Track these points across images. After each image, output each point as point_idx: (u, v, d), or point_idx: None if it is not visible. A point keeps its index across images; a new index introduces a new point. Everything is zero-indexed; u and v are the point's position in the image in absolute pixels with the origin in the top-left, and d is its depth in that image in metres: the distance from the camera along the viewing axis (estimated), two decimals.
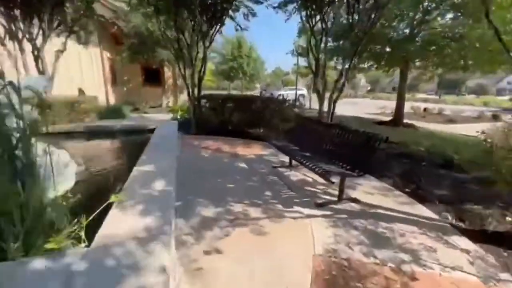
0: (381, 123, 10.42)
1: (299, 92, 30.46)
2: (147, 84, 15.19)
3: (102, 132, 4.28)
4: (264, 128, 6.32)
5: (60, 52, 6.13)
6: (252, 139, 6.27)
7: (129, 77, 14.71)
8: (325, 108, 5.83)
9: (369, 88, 68.02)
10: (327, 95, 5.68)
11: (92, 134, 4.20)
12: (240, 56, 27.14)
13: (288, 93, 30.30)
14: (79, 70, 10.45)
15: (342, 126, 3.45)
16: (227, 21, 7.60)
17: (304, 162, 3.17)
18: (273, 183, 3.51)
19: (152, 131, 4.28)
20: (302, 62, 24.05)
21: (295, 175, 3.86)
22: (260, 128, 6.75)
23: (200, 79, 7.20)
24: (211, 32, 7.18)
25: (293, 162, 4.09)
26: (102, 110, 10.33)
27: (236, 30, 7.51)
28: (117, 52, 12.65)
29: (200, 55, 7.37)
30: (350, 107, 16.11)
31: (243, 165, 4.26)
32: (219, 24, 7.22)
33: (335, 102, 5.30)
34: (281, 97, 30.06)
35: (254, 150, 5.30)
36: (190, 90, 7.06)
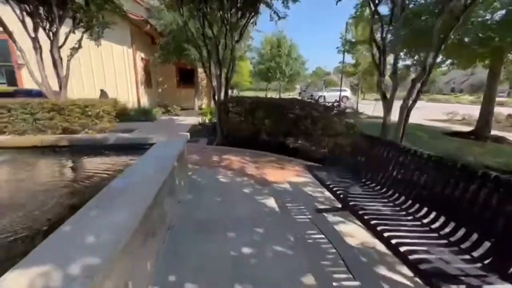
0: (455, 134, 8.11)
1: (343, 94, 28.16)
2: (182, 86, 14.77)
3: (88, 147, 3.33)
4: (303, 141, 4.90)
5: (75, 49, 5.50)
6: (288, 154, 4.89)
7: (164, 78, 14.43)
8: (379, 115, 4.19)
9: None
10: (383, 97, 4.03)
11: (76, 149, 3.28)
12: (279, 55, 25.73)
13: (331, 94, 28.05)
14: (113, 71, 10.22)
15: (459, 165, 1.87)
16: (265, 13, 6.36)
17: (378, 230, 1.70)
18: (318, 252, 2.10)
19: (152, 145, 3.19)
20: (347, 59, 21.87)
21: (354, 232, 2.38)
22: (298, 140, 5.33)
23: (228, 80, 6.06)
24: (243, 23, 6.00)
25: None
26: (131, 113, 9.97)
27: (271, 19, 6.16)
28: (152, 52, 12.32)
29: (230, 52, 6.24)
30: None
31: (271, 203, 2.92)
32: (252, 13, 5.99)
33: (409, 110, 3.64)
34: (322, 99, 28.24)
35: (289, 173, 3.92)
36: (216, 92, 5.97)
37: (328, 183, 2.54)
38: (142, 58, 11.64)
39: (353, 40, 13.58)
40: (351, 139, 3.59)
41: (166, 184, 2.25)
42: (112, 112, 6.10)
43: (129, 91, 10.52)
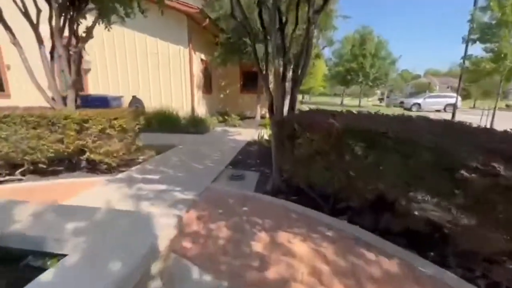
0: None
1: (448, 101, 21.98)
2: (245, 91, 12.97)
3: None
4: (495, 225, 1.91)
5: (83, 40, 3.95)
6: (433, 246, 2.01)
7: (226, 82, 12.93)
8: None
9: None
10: None
11: None
12: (362, 55, 21.53)
13: (430, 102, 21.97)
14: (168, 74, 9.04)
15: None
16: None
17: None
18: None
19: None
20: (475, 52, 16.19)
21: None
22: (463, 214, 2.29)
23: (297, 81, 3.50)
24: None
25: None
26: (182, 122, 8.52)
27: None
28: (213, 53, 10.86)
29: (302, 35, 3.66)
30: None
31: None
32: None
33: None
34: (416, 107, 22.34)
35: None
36: (274, 101, 3.48)
37: None
38: (201, 60, 10.25)
39: (493, 21, 8.99)
40: None
41: None
42: (133, 128, 4.38)
43: (183, 97, 9.16)
